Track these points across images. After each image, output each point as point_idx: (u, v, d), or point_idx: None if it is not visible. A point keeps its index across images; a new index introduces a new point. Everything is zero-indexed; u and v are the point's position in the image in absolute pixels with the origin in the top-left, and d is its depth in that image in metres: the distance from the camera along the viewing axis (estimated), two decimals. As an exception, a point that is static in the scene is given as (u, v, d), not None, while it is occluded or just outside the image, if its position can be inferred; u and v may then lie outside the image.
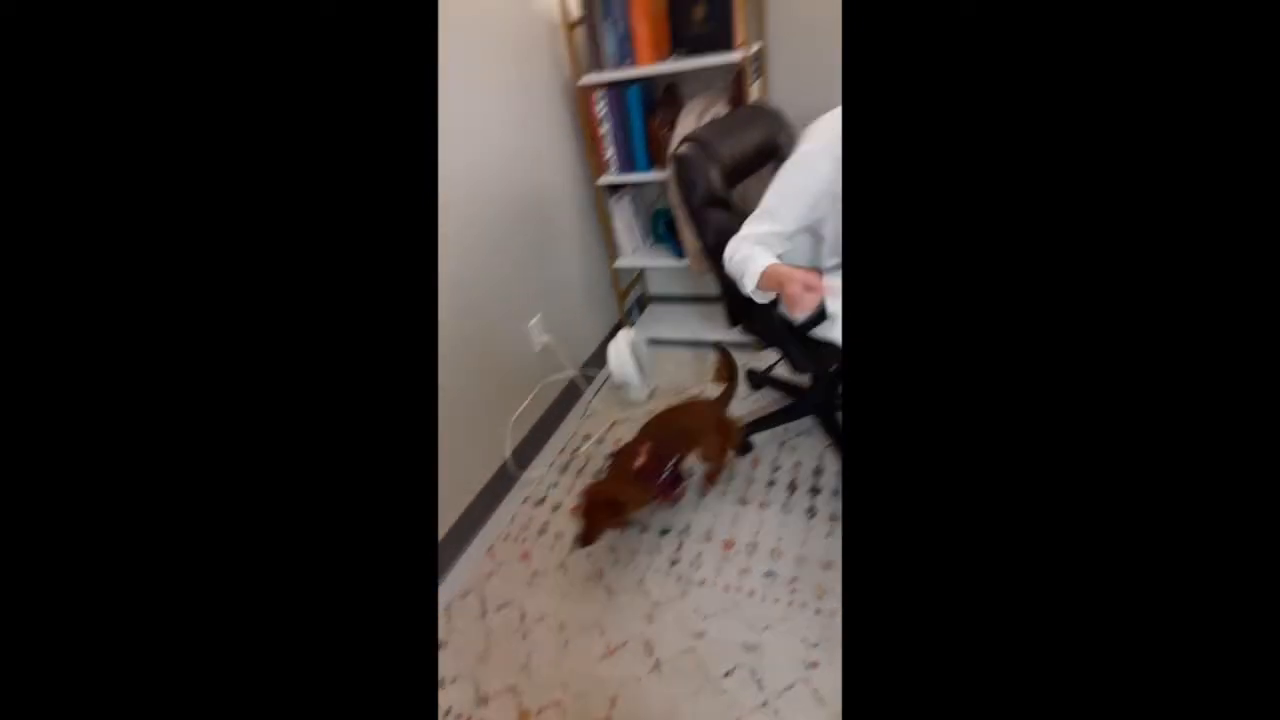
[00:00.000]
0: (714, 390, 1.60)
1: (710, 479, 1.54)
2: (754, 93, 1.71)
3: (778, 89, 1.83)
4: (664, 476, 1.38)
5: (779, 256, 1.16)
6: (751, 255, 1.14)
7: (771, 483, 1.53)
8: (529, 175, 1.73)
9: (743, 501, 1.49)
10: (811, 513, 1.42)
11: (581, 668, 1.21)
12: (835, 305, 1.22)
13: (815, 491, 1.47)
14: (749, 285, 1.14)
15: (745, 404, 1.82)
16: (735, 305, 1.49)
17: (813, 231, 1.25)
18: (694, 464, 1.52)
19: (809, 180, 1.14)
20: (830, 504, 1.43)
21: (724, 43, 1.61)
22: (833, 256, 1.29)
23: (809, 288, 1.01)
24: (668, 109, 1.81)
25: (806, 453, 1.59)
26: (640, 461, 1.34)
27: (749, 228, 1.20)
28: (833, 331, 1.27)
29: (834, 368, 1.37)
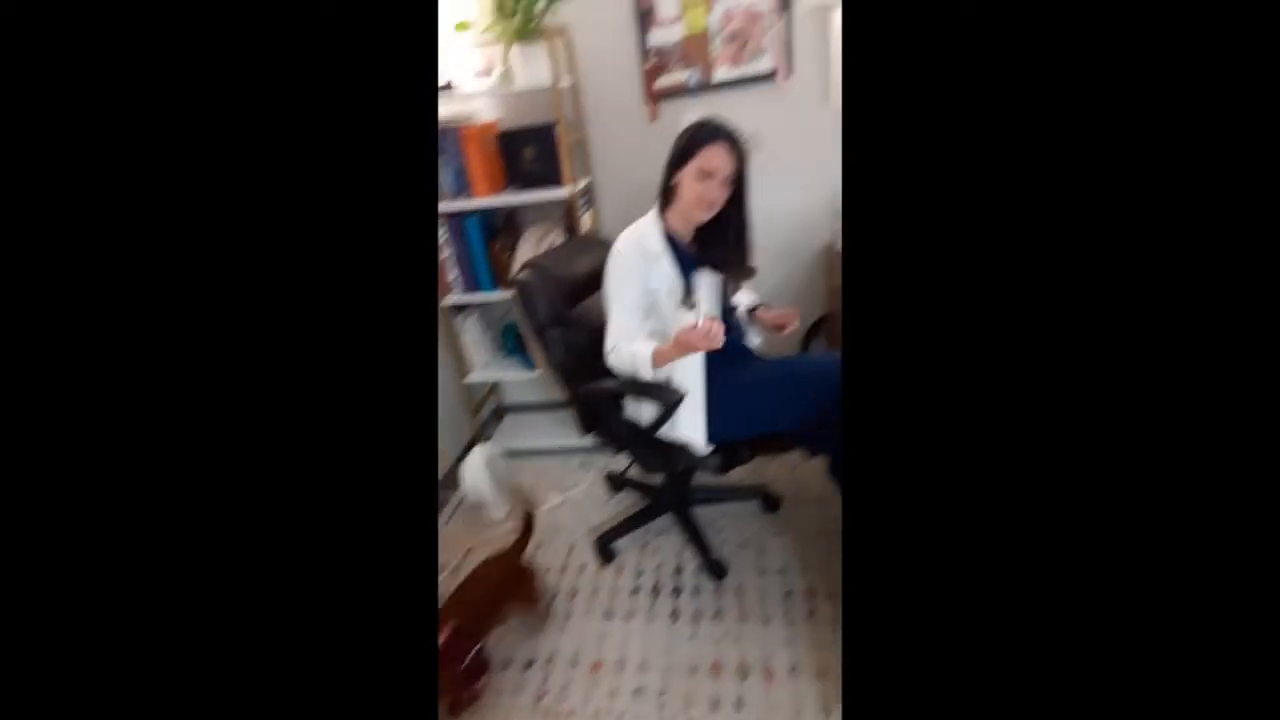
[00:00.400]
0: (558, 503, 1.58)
1: (540, 619, 1.46)
2: (586, 222, 1.89)
3: (608, 219, 2.04)
4: (465, 664, 1.23)
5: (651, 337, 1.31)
6: (634, 350, 1.28)
7: (635, 590, 1.52)
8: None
9: (608, 615, 1.46)
10: (675, 616, 1.42)
11: None
12: (684, 379, 1.32)
13: (677, 592, 1.49)
14: (647, 373, 1.27)
15: (607, 508, 1.83)
16: (586, 413, 1.55)
17: (654, 304, 1.36)
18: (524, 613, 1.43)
19: (625, 275, 1.31)
20: (692, 602, 1.45)
21: (553, 179, 1.78)
22: (676, 310, 1.37)
23: (704, 335, 1.14)
24: (508, 235, 1.92)
25: (667, 552, 1.62)
26: (443, 639, 1.20)
27: (612, 338, 1.33)
28: (678, 430, 1.36)
29: (682, 467, 1.45)
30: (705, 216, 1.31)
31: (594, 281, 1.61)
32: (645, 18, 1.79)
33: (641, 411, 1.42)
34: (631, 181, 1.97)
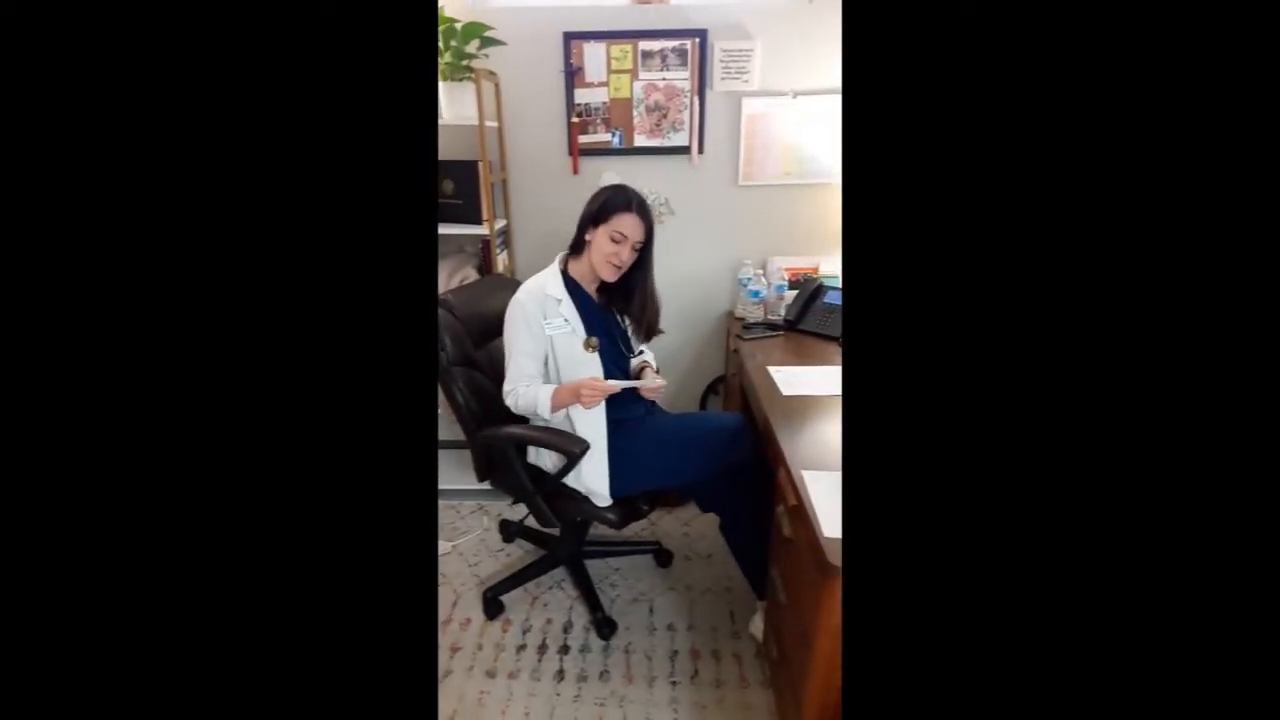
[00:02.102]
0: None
1: None
2: (501, 262, 1.87)
3: (522, 261, 2.04)
4: None
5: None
6: (532, 392, 1.33)
7: (522, 647, 1.47)
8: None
9: (490, 674, 1.40)
10: (560, 676, 1.39)
11: None
12: (588, 429, 1.34)
13: (565, 650, 1.46)
14: (545, 413, 1.33)
15: (497, 559, 1.76)
16: (483, 460, 1.51)
17: (552, 349, 1.37)
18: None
19: (525, 320, 1.35)
20: (578, 662, 1.43)
21: (472, 217, 1.76)
22: (575, 353, 1.38)
23: (589, 390, 1.27)
24: (415, 267, 1.85)
25: (557, 608, 1.59)
26: None
27: (510, 381, 1.37)
28: (581, 480, 1.36)
29: (581, 519, 1.44)
30: (612, 277, 1.37)
31: (501, 323, 1.59)
32: (574, 76, 1.85)
33: (544, 460, 1.41)
34: (548, 228, 2.00)
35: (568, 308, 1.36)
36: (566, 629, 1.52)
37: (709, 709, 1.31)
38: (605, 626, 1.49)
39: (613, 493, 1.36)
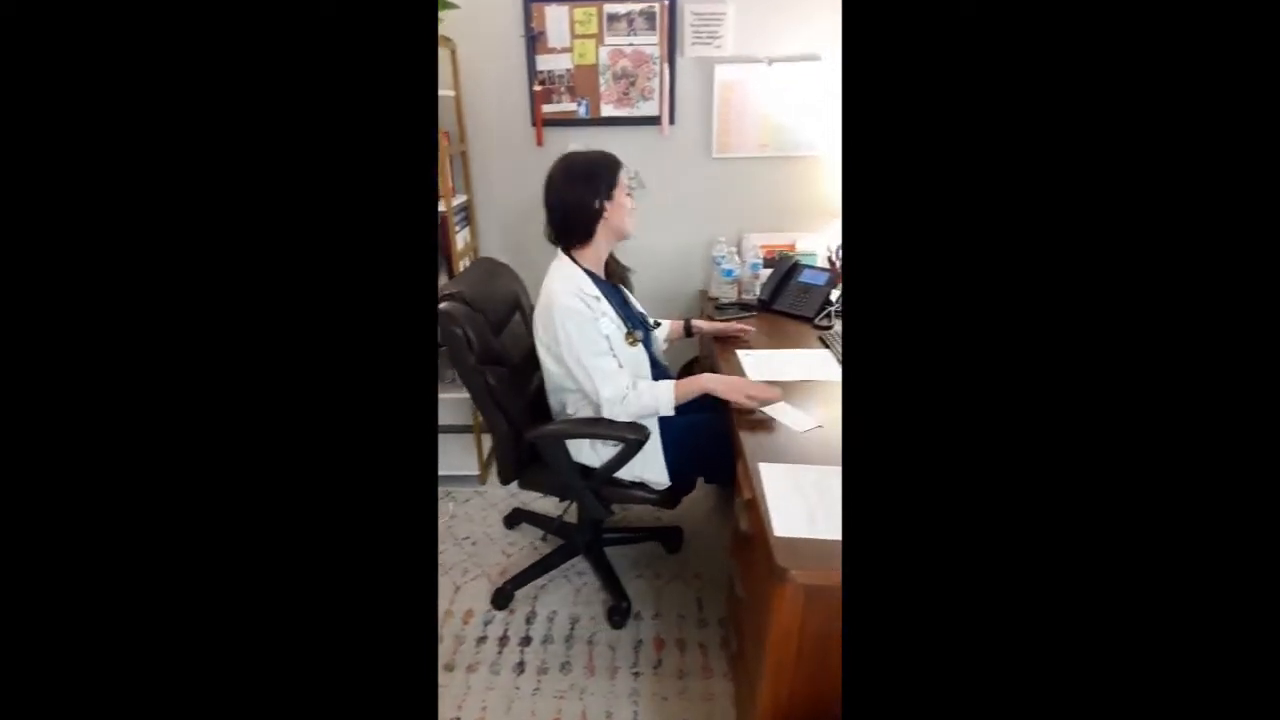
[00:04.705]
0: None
1: None
2: (461, 240, 1.79)
3: (486, 239, 1.95)
4: None
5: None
6: (645, 393, 1.27)
7: (482, 639, 1.43)
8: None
9: (449, 668, 1.36)
10: (521, 668, 1.35)
11: None
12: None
13: (527, 641, 1.42)
14: (667, 410, 1.29)
15: (496, 546, 1.72)
16: (515, 460, 1.40)
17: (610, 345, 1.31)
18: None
19: (586, 325, 1.25)
20: (539, 654, 1.39)
21: (427, 194, 1.67)
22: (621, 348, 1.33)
23: (750, 396, 1.21)
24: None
25: (522, 599, 1.55)
26: None
27: (609, 389, 1.25)
28: (642, 468, 1.32)
29: (640, 504, 1.39)
30: (635, 228, 1.34)
31: (512, 310, 1.51)
32: (535, 41, 1.74)
33: (584, 454, 1.36)
34: (512, 203, 1.91)
35: (605, 304, 1.30)
36: (529, 620, 1.49)
37: (670, 700, 1.28)
38: (624, 615, 1.46)
39: (672, 476, 1.33)
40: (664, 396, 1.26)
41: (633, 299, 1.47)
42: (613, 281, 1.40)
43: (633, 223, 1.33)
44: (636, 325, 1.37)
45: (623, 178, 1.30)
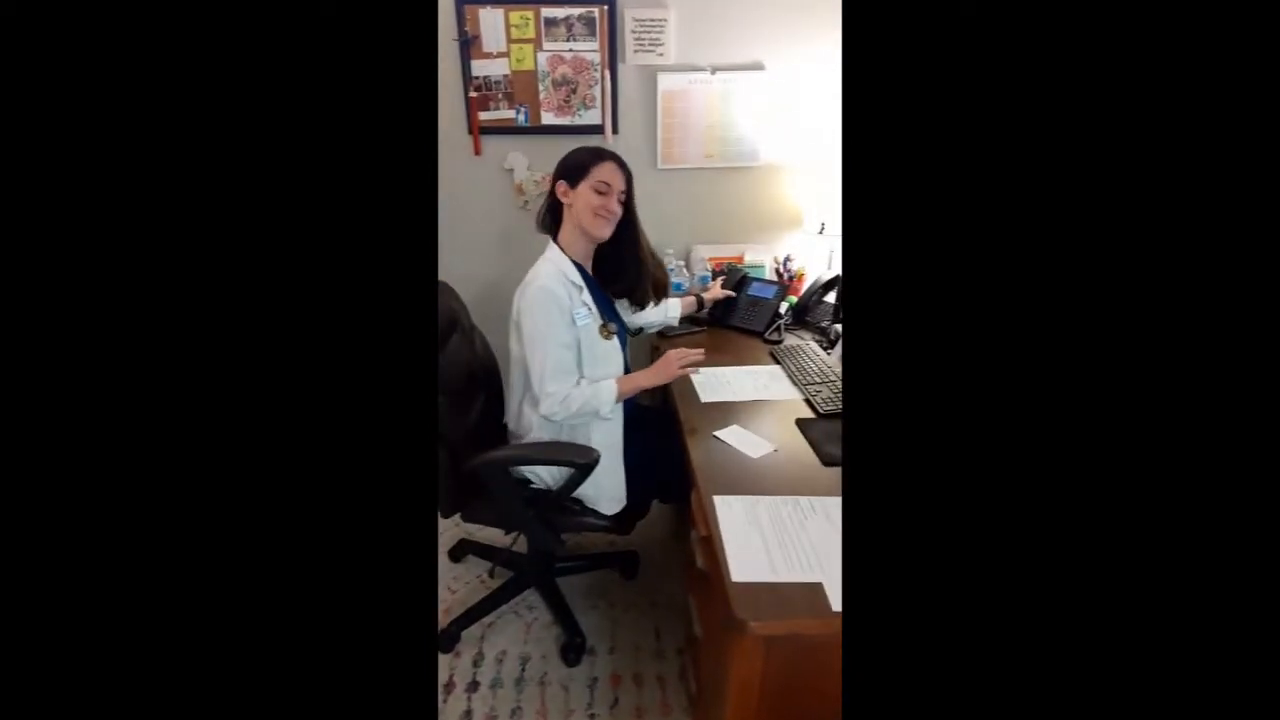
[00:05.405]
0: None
1: None
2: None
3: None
4: None
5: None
6: (586, 393, 1.21)
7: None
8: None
9: None
10: (468, 717, 1.27)
11: None
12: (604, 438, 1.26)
13: (473, 688, 1.33)
14: (607, 411, 1.24)
15: (440, 583, 1.59)
16: (457, 491, 1.28)
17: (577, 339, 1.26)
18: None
19: (557, 313, 1.20)
20: (488, 700, 1.30)
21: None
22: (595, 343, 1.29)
23: (682, 366, 1.24)
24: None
25: (467, 640, 1.45)
26: None
27: (555, 380, 1.20)
28: (596, 490, 1.25)
29: (588, 529, 1.31)
30: (606, 232, 1.27)
31: (449, 330, 1.39)
32: (469, 45, 1.65)
33: (548, 473, 1.28)
34: (449, 215, 1.80)
35: (587, 294, 1.26)
36: (476, 663, 1.39)
37: (628, 743, 1.22)
38: (578, 652, 1.38)
39: (630, 497, 1.28)
40: (604, 395, 1.22)
41: (621, 309, 1.44)
42: (628, 283, 1.38)
43: (599, 224, 1.26)
44: (614, 319, 1.34)
45: (597, 174, 1.24)
